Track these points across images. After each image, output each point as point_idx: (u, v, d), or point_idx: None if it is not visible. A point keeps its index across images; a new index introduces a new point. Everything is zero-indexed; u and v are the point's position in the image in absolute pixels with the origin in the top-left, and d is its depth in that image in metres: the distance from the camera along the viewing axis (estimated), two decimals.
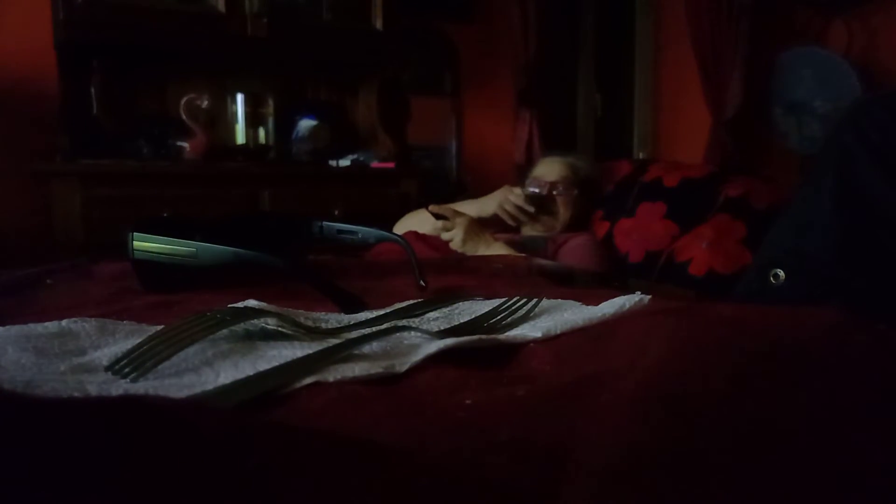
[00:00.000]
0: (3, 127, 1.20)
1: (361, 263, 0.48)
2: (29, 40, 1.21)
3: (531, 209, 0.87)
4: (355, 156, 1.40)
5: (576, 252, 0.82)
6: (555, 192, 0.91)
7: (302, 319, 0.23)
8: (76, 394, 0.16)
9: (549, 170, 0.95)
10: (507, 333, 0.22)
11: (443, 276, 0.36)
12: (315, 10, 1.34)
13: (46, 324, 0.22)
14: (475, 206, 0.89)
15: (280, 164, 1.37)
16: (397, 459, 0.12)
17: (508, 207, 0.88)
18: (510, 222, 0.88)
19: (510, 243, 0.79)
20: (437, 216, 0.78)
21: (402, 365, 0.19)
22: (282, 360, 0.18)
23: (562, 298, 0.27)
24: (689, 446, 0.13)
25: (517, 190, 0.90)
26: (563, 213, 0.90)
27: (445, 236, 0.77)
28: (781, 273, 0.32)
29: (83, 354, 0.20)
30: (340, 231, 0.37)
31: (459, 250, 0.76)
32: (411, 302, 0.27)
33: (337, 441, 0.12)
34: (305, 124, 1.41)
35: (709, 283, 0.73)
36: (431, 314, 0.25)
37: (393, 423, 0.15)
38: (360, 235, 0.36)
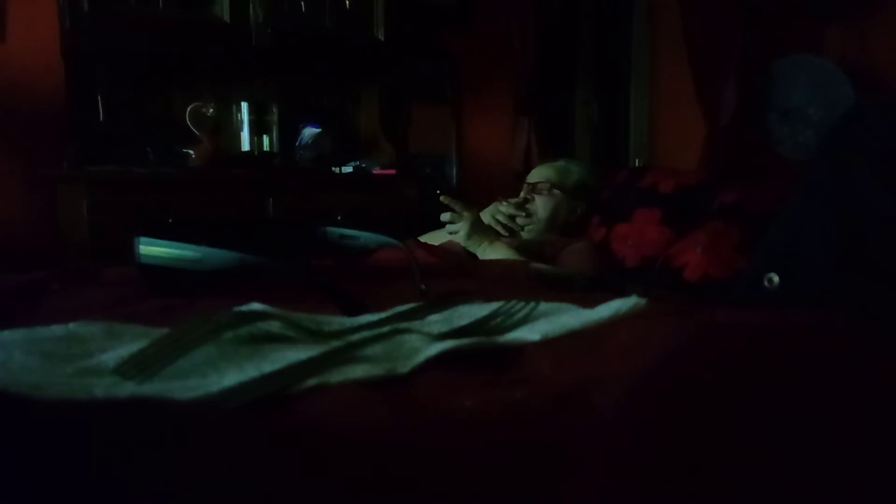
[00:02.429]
0: (10, 133, 1.21)
1: (363, 268, 0.48)
2: (36, 48, 1.23)
3: (522, 213, 0.86)
4: (357, 162, 1.41)
5: (575, 257, 0.82)
6: (533, 194, 0.90)
7: (305, 322, 0.24)
8: (83, 396, 0.16)
9: (535, 173, 0.96)
10: (505, 336, 0.22)
11: (443, 280, 0.37)
12: (318, 20, 1.36)
13: (53, 327, 0.22)
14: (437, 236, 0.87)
15: (284, 171, 1.37)
16: (398, 460, 0.12)
17: (500, 218, 0.87)
18: (503, 232, 0.87)
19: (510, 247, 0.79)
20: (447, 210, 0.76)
21: (404, 367, 0.19)
22: (285, 363, 0.19)
23: (559, 302, 0.27)
24: (684, 447, 0.13)
25: (503, 205, 0.88)
26: (541, 212, 0.90)
27: (450, 229, 0.76)
28: (776, 277, 0.33)
29: (89, 357, 0.20)
30: (343, 236, 0.37)
31: (463, 244, 0.76)
32: (412, 305, 0.27)
33: (339, 441, 0.13)
34: (309, 132, 1.42)
35: (704, 288, 0.72)
36: (432, 317, 0.26)
37: (394, 423, 0.15)
38: (361, 240, 0.36)
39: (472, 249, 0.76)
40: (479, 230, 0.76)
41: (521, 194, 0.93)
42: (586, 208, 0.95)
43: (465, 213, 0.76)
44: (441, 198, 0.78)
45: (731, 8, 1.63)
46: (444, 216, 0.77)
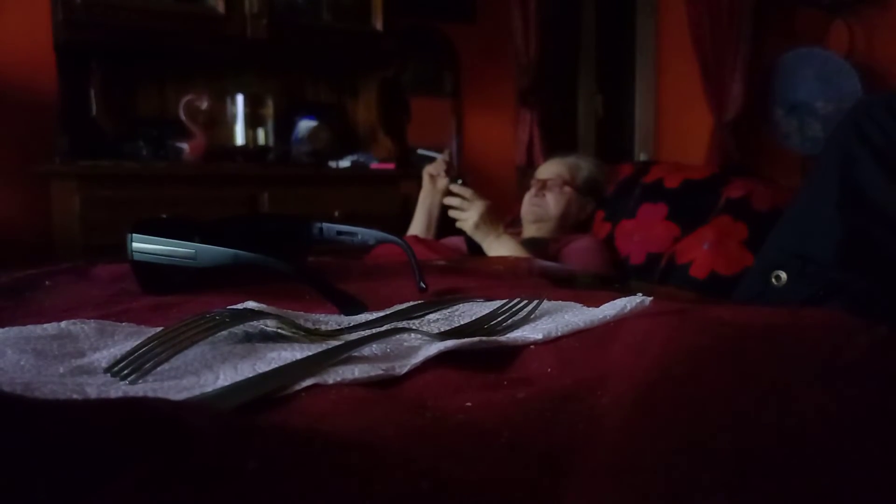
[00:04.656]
0: (2, 128, 1.20)
1: (361, 265, 0.48)
2: (28, 41, 1.22)
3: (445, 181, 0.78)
4: (355, 157, 1.40)
5: (580, 254, 0.81)
6: (544, 190, 0.89)
7: (301, 321, 0.23)
8: (75, 396, 0.16)
9: (546, 168, 0.95)
10: (507, 335, 0.22)
11: (443, 277, 0.36)
12: (315, 11, 1.34)
13: (45, 325, 0.22)
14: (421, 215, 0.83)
15: (279, 166, 1.37)
16: (397, 462, 0.12)
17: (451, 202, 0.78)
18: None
19: None
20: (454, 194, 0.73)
21: (402, 367, 0.19)
22: (281, 362, 0.18)
23: (563, 300, 0.26)
24: (689, 448, 0.13)
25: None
26: (552, 209, 0.89)
27: (459, 215, 0.74)
28: (783, 275, 0.32)
29: (82, 356, 0.20)
30: (340, 232, 0.36)
31: (470, 233, 0.74)
32: (411, 303, 0.27)
33: (336, 443, 0.12)
34: (305, 125, 1.41)
35: (710, 285, 0.72)
36: (431, 316, 0.25)
37: (392, 425, 0.14)
38: (359, 237, 0.36)
39: (477, 240, 0.74)
40: (489, 221, 0.74)
41: (532, 190, 0.91)
42: (595, 206, 0.94)
43: (477, 202, 0.74)
44: (451, 186, 0.76)
45: (738, 0, 1.61)
46: (453, 201, 0.75)
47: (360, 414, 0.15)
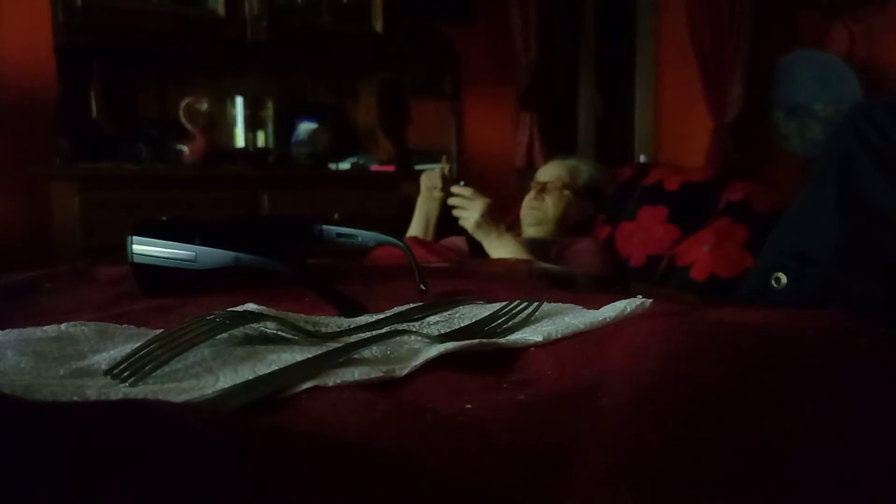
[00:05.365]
0: (2, 129, 1.20)
1: (361, 267, 0.48)
2: (28, 43, 1.22)
3: (439, 184, 0.79)
4: (355, 159, 1.40)
5: (580, 256, 0.81)
6: (544, 193, 0.89)
7: (302, 323, 0.23)
8: (75, 398, 0.16)
9: (545, 171, 0.95)
10: (507, 337, 0.22)
11: (443, 279, 0.36)
12: (315, 13, 1.35)
13: (46, 328, 0.22)
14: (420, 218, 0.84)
15: (279, 168, 1.37)
16: (397, 464, 0.12)
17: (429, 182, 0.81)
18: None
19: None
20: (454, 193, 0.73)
21: (402, 369, 0.19)
22: (281, 365, 0.18)
23: (563, 302, 0.26)
24: (688, 449, 0.13)
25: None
26: (551, 212, 0.89)
27: (460, 213, 0.74)
28: (783, 277, 0.32)
29: (82, 359, 0.20)
30: (340, 234, 0.37)
31: (471, 232, 0.74)
32: (411, 306, 0.27)
33: (336, 445, 0.12)
34: (305, 127, 1.41)
35: (710, 287, 0.72)
36: (432, 318, 0.25)
37: (393, 427, 0.14)
38: (359, 239, 0.36)
39: (479, 238, 0.74)
40: (490, 220, 0.74)
41: (531, 193, 0.91)
42: (595, 208, 0.94)
43: (478, 201, 0.74)
44: (452, 188, 0.76)
45: (738, 1, 1.62)
46: (454, 200, 0.75)
47: (361, 416, 0.15)
